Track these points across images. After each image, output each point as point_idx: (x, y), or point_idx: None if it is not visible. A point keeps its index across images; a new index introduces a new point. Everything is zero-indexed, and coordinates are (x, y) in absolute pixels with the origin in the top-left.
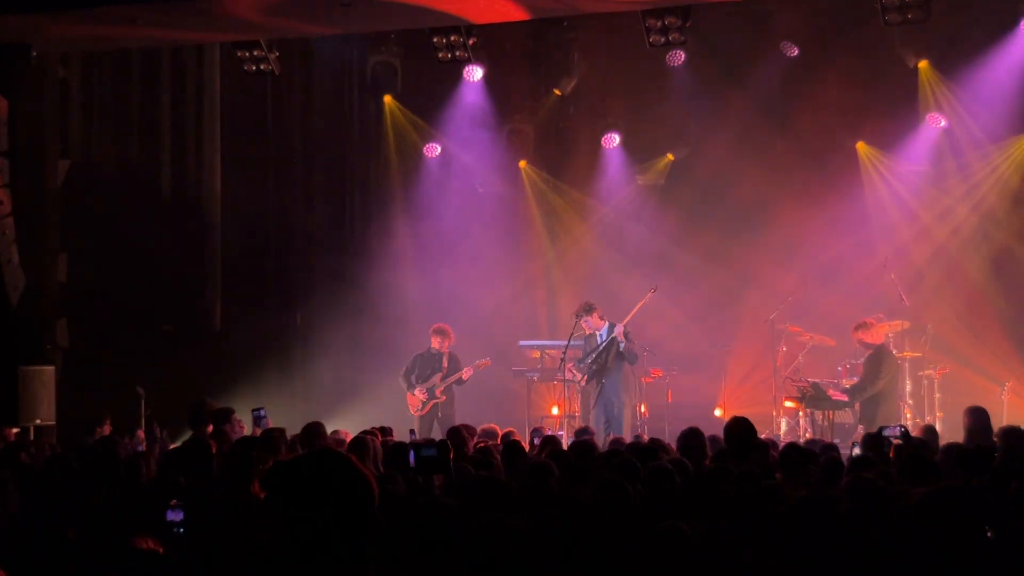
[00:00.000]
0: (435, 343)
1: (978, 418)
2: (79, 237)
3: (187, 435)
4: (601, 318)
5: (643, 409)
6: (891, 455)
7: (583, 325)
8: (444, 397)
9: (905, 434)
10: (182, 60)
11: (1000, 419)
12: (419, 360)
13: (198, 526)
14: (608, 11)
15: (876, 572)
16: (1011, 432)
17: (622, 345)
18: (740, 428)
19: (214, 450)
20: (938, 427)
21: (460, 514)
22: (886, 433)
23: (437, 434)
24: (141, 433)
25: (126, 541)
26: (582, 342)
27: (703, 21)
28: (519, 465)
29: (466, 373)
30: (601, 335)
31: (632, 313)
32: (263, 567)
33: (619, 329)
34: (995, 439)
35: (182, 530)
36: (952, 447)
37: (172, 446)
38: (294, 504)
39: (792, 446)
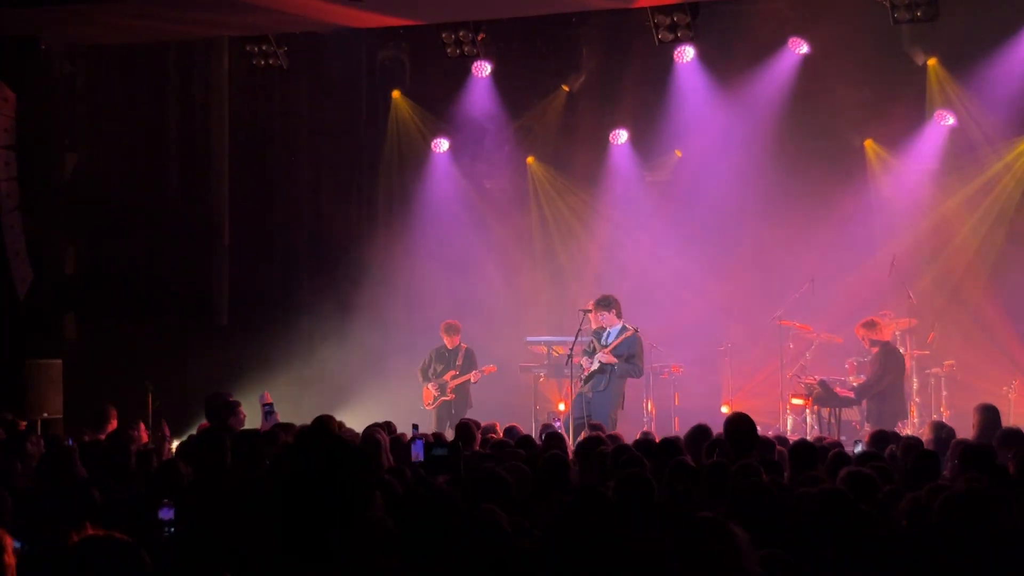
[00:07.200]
0: (447, 342)
1: (988, 417)
2: (86, 231)
3: (192, 430)
4: (618, 316)
5: (650, 407)
6: (898, 454)
7: (597, 318)
8: (453, 396)
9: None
10: (189, 54)
11: (1007, 417)
12: (435, 355)
13: (193, 520)
14: (618, 8)
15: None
16: (1013, 435)
17: (616, 366)
18: (740, 424)
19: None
20: None
21: (464, 507)
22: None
23: (448, 432)
24: (142, 425)
25: None
26: (588, 337)
27: (711, 18)
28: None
29: (474, 376)
30: (612, 333)
31: (613, 345)
32: (264, 558)
33: (604, 356)
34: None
35: (172, 529)
36: (962, 444)
37: (176, 442)
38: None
39: (802, 443)
